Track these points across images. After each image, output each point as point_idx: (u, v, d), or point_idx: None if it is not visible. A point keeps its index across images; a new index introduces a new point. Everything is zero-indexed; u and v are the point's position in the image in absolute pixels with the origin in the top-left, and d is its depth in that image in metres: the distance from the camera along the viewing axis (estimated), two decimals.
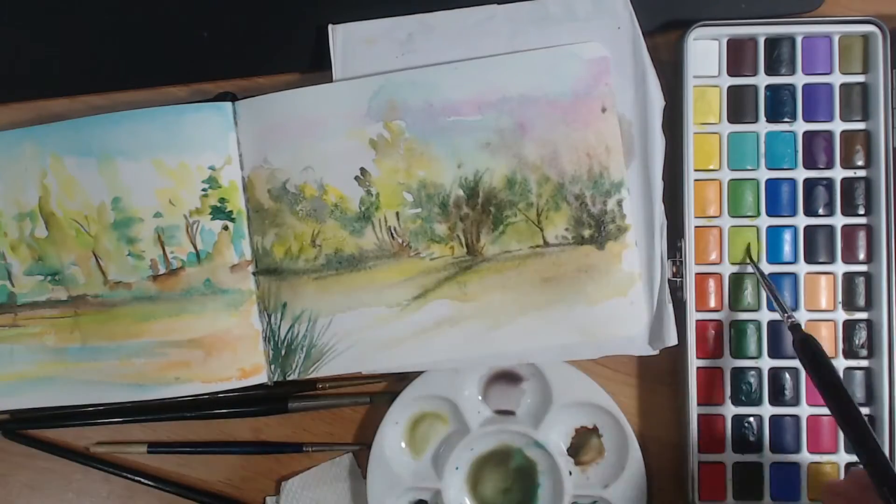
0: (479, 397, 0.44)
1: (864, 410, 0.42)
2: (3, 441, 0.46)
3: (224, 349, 0.43)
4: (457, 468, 0.44)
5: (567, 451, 0.44)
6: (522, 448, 0.45)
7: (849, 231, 0.43)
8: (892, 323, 0.42)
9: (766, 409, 0.43)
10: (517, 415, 0.44)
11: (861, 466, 0.35)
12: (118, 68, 0.45)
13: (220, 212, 0.43)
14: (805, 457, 0.43)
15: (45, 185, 0.43)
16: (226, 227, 0.43)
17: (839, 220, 0.43)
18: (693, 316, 0.42)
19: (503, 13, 0.42)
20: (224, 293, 0.43)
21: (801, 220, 0.43)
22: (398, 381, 0.45)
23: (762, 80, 0.43)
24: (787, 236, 0.43)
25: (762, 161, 0.43)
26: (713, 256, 0.43)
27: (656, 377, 0.44)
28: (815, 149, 0.43)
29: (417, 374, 0.44)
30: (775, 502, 0.43)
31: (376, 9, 0.43)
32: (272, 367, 0.43)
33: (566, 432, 0.44)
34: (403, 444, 0.45)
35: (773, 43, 0.43)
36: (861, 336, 0.43)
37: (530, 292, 0.42)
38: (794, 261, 0.43)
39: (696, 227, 0.43)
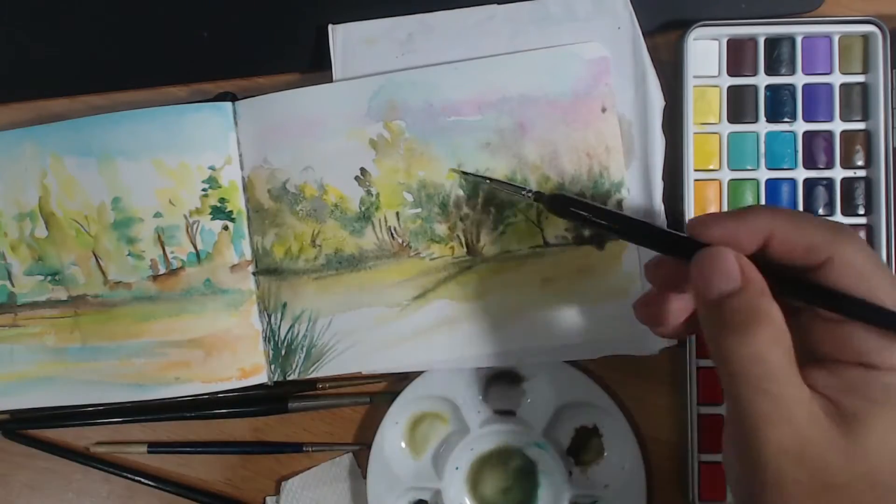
0: (479, 397, 0.44)
1: None
2: (3, 441, 0.46)
3: (224, 349, 0.43)
4: (457, 468, 0.44)
5: (567, 451, 0.44)
6: (522, 448, 0.45)
7: None
8: None
9: None
10: (517, 415, 0.44)
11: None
12: (118, 68, 0.45)
13: (220, 212, 0.43)
14: None
15: (45, 185, 0.43)
16: (226, 227, 0.43)
17: (839, 221, 0.43)
18: None
19: (503, 13, 0.42)
20: (224, 293, 0.43)
21: None
22: (398, 381, 0.45)
23: (762, 80, 0.43)
24: None
25: (762, 161, 0.43)
26: None
27: (656, 377, 0.44)
28: (815, 149, 0.43)
29: (417, 374, 0.44)
30: None
31: (376, 9, 0.43)
32: (272, 367, 0.43)
33: (566, 432, 0.44)
34: (403, 444, 0.45)
35: (773, 43, 0.43)
36: None
37: (530, 292, 0.42)
38: None
39: None
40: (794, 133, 0.43)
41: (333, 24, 0.43)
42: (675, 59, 0.43)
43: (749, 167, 0.43)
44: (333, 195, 0.43)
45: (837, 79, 0.43)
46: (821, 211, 0.43)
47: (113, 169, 0.43)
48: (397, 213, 0.42)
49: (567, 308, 0.42)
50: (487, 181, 0.41)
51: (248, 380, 0.43)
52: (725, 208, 0.43)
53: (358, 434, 0.46)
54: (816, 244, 0.29)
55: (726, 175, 0.43)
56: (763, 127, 0.43)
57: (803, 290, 0.30)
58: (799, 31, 0.42)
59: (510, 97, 0.42)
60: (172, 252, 0.43)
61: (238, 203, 0.43)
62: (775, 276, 0.30)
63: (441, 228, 0.42)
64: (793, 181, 0.43)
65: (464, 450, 0.44)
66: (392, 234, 0.43)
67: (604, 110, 0.42)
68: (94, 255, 0.43)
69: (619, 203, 0.42)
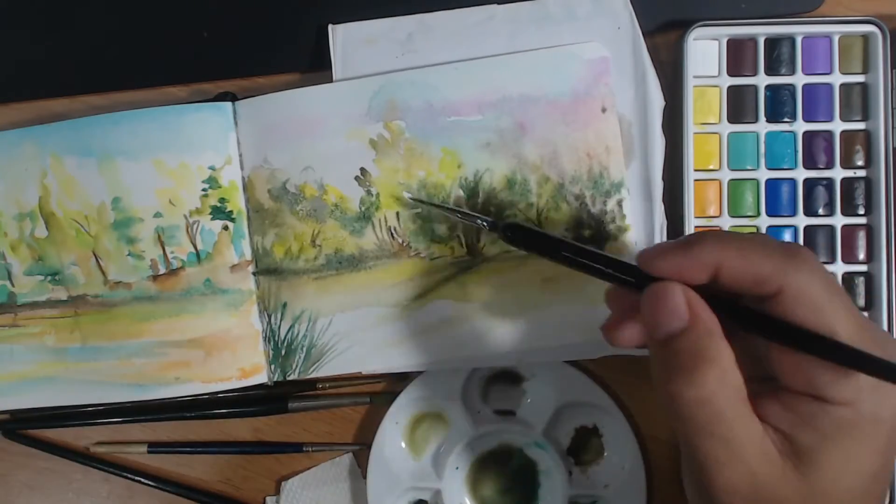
0: (479, 397, 0.44)
1: None
2: (3, 441, 0.46)
3: (224, 349, 0.43)
4: (457, 468, 0.44)
5: (567, 451, 0.44)
6: (522, 448, 0.45)
7: (849, 231, 0.43)
8: (892, 322, 0.42)
9: None
10: (517, 415, 0.44)
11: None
12: (118, 68, 0.45)
13: (220, 212, 0.43)
14: None
15: (45, 185, 0.43)
16: (226, 227, 0.43)
17: (839, 221, 0.43)
18: None
19: (503, 13, 0.42)
20: (224, 293, 0.43)
21: (801, 220, 0.43)
22: (398, 381, 0.45)
23: (762, 80, 0.43)
24: (788, 236, 0.43)
25: (762, 161, 0.43)
26: None
27: None
28: (815, 149, 0.43)
29: (417, 374, 0.44)
30: None
31: (376, 9, 0.43)
32: (272, 367, 0.43)
33: (566, 432, 0.44)
34: (403, 444, 0.45)
35: (772, 43, 0.43)
36: None
37: (530, 292, 0.42)
38: None
39: (696, 227, 0.43)
40: (794, 133, 0.43)
41: (333, 24, 0.43)
42: (675, 59, 0.43)
43: (749, 167, 0.43)
44: (333, 195, 0.43)
45: (837, 79, 0.43)
46: (821, 211, 0.43)
47: (113, 169, 0.43)
48: (397, 213, 0.42)
49: (567, 308, 0.42)
50: (445, 209, 0.41)
51: (248, 380, 0.43)
52: (726, 208, 0.43)
53: (358, 434, 0.46)
54: (765, 275, 0.28)
55: (726, 175, 0.43)
56: (763, 127, 0.43)
57: (754, 322, 0.29)
58: (799, 31, 0.42)
59: (510, 97, 0.42)
60: (172, 252, 0.43)
61: (238, 203, 0.43)
62: (725, 309, 0.29)
63: (441, 228, 0.42)
64: (793, 181, 0.43)
65: (464, 450, 0.44)
66: (392, 234, 0.43)
67: (604, 110, 0.42)
68: (94, 255, 0.43)
69: (620, 203, 0.42)
